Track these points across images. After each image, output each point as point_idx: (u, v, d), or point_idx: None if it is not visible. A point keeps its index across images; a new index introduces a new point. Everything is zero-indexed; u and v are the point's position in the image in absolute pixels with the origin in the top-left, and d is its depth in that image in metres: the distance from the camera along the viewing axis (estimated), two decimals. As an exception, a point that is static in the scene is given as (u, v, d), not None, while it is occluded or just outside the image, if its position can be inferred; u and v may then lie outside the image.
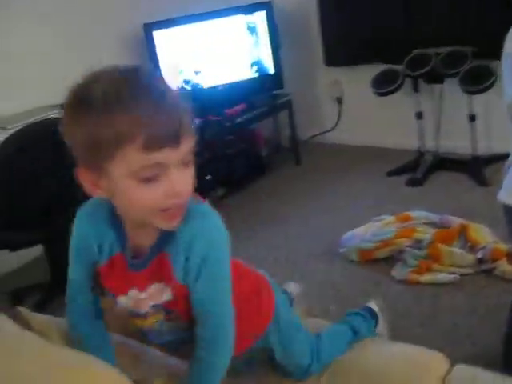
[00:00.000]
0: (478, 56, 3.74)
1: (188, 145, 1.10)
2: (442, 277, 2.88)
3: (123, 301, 1.30)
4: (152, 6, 4.35)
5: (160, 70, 4.19)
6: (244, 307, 1.37)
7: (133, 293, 1.27)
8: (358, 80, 4.52)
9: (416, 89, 4.16)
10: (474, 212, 3.37)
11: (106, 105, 1.03)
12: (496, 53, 3.76)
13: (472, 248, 2.98)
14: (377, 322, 2.01)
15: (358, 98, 4.70)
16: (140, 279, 1.24)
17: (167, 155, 1.06)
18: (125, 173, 1.07)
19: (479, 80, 3.64)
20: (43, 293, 3.28)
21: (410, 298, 2.81)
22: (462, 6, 3.90)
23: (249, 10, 4.39)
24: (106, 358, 1.13)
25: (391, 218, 3.34)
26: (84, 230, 1.27)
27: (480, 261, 2.90)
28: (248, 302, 1.44)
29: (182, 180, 1.10)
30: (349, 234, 3.33)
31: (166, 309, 1.28)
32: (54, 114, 3.55)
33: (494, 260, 2.86)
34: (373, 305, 2.09)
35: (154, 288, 1.24)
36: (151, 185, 1.07)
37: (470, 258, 2.92)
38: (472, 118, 3.98)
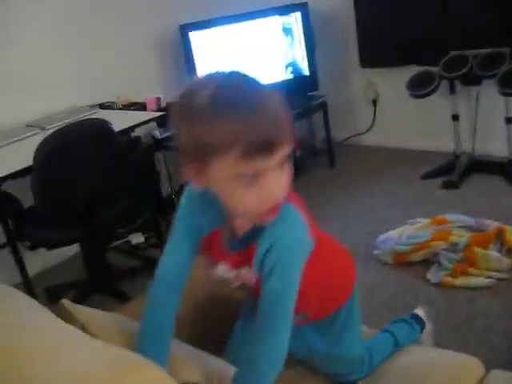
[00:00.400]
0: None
1: (285, 150, 1.13)
2: (478, 281, 2.85)
3: (220, 269, 1.39)
4: (188, 7, 4.38)
5: (195, 71, 4.23)
6: (327, 279, 1.49)
7: (225, 267, 1.38)
8: (393, 82, 4.50)
9: (452, 91, 4.13)
10: (511, 215, 3.33)
11: (209, 113, 1.08)
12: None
13: (509, 252, 2.94)
14: (422, 329, 2.03)
15: (394, 99, 4.69)
16: (232, 259, 1.35)
17: (264, 162, 1.10)
18: (224, 177, 1.12)
19: (517, 82, 3.60)
20: (78, 291, 3.33)
21: (445, 302, 2.79)
22: (500, 6, 3.86)
23: (284, 11, 4.40)
24: (163, 347, 1.28)
25: (427, 221, 3.32)
26: (192, 203, 1.35)
27: (517, 265, 2.87)
28: (331, 275, 1.54)
29: (278, 184, 1.15)
30: (383, 236, 3.32)
31: (250, 289, 1.39)
32: (91, 113, 3.61)
33: (532, 264, 2.83)
34: (420, 311, 2.11)
35: (242, 271, 1.34)
36: (248, 189, 1.12)
37: (506, 262, 2.89)
38: (509, 121, 3.93)
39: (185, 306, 1.42)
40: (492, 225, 3.14)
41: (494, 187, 3.86)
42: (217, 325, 1.76)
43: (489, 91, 3.89)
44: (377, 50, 4.57)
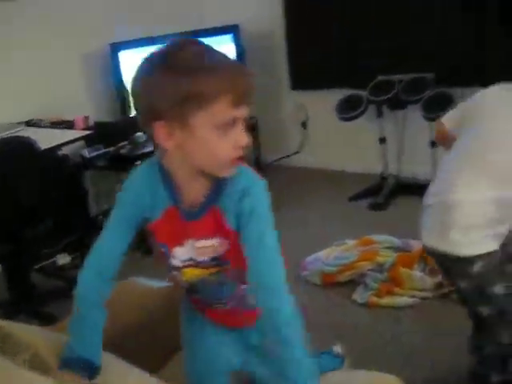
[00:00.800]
0: (440, 83, 3.81)
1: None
2: (402, 300, 2.91)
3: (179, 252, 1.40)
4: (119, 26, 4.34)
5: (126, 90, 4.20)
6: None
7: (190, 243, 1.38)
8: (323, 104, 4.57)
9: (379, 114, 4.22)
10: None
11: (202, 65, 1.19)
12: (458, 79, 3.86)
13: (432, 272, 3.01)
14: (341, 364, 2.03)
15: (323, 122, 4.75)
16: (198, 229, 1.36)
17: (242, 111, 1.24)
18: (207, 125, 1.21)
19: (440, 107, 3.70)
20: (1, 311, 3.22)
21: (371, 321, 2.83)
22: (426, 33, 3.98)
23: (216, 32, 4.42)
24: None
25: (353, 242, 3.37)
26: (138, 188, 1.37)
27: (439, 285, 2.93)
28: None
29: (245, 134, 1.27)
30: (311, 257, 3.34)
31: (221, 261, 1.39)
32: (17, 131, 3.52)
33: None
34: (338, 349, 2.10)
35: (211, 241, 1.36)
36: (226, 137, 1.23)
37: (429, 281, 2.95)
38: (433, 144, 4.03)
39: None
40: (416, 245, 3.20)
41: (419, 209, 3.90)
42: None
43: (414, 115, 4.00)
44: (307, 72, 4.65)
